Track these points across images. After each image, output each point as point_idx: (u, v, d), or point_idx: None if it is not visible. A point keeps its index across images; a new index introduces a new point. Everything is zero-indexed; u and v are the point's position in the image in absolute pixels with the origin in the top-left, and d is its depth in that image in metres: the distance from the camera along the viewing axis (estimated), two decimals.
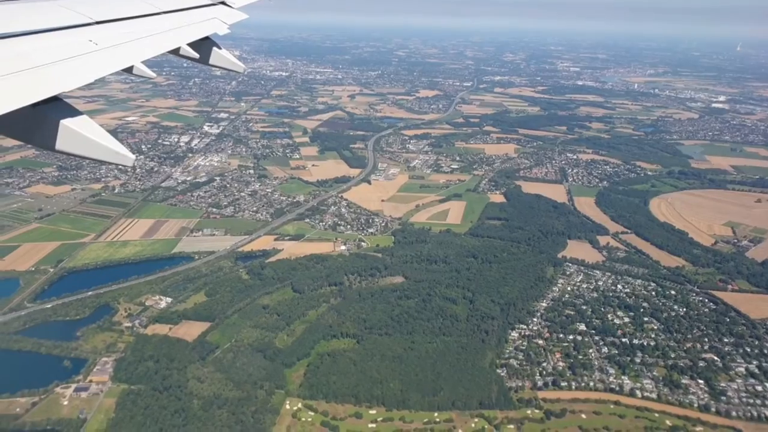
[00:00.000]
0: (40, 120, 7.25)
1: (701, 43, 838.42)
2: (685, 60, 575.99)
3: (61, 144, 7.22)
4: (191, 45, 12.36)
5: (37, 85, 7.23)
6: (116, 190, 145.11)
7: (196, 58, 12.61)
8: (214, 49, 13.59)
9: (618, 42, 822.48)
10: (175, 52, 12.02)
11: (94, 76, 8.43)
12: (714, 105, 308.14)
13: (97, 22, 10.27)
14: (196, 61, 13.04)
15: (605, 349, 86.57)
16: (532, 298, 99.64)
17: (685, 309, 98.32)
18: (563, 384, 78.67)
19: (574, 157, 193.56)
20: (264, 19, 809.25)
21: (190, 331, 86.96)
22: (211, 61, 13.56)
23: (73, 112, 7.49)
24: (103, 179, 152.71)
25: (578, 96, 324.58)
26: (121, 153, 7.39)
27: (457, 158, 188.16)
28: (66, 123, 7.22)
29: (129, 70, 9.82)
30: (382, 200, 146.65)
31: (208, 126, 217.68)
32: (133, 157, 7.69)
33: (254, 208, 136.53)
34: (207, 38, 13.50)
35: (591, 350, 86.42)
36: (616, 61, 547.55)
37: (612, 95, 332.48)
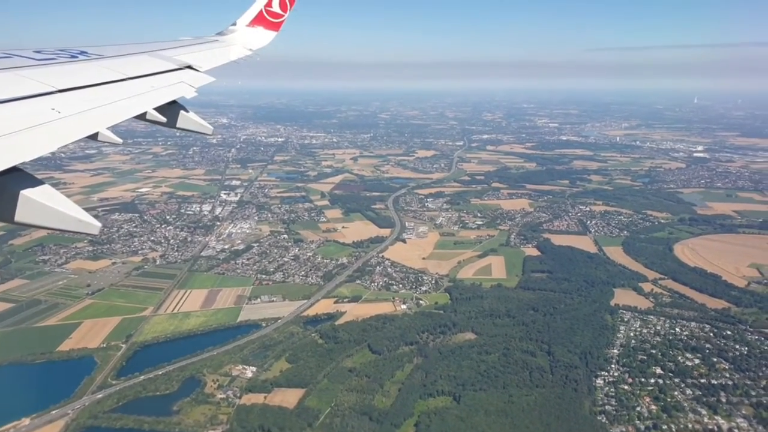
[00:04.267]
0: None
1: (661, 97, 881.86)
2: (651, 113, 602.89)
3: (21, 215, 7.08)
4: (158, 109, 12.49)
5: None
6: (157, 262, 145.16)
7: (164, 122, 12.80)
8: (182, 112, 13.71)
9: (584, 98, 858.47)
10: (142, 117, 12.09)
11: (56, 145, 8.40)
12: (695, 155, 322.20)
13: (60, 91, 10.25)
14: (163, 125, 13.15)
15: (689, 391, 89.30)
16: (603, 346, 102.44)
17: (747, 348, 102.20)
18: (664, 427, 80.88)
19: (587, 209, 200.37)
20: (237, 85, 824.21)
21: (286, 398, 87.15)
22: (178, 125, 13.67)
23: (34, 182, 7.38)
24: (140, 251, 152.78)
25: (567, 151, 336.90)
26: (85, 221, 7.30)
27: (478, 214, 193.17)
28: (26, 193, 7.09)
29: (94, 137, 9.83)
30: (423, 258, 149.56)
31: (225, 194, 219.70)
32: (99, 225, 7.53)
33: (302, 273, 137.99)
34: (174, 102, 13.62)
35: (676, 392, 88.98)
36: (589, 116, 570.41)
37: (598, 149, 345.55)
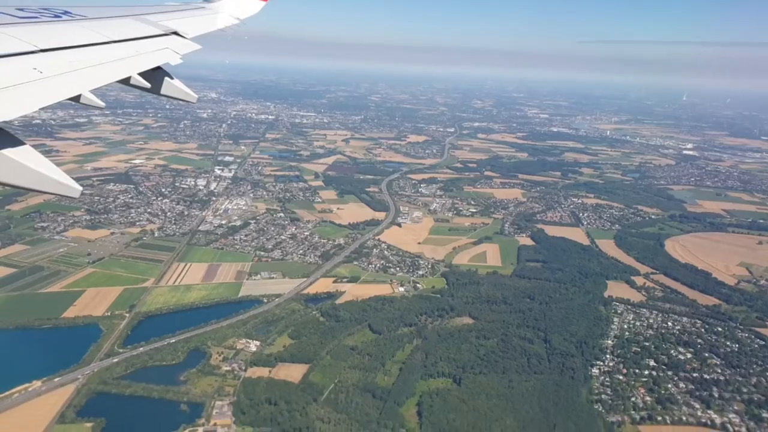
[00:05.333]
0: None
1: (650, 93, 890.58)
2: (641, 108, 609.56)
3: (0, 175, 6.94)
4: (142, 75, 12.30)
5: None
6: (156, 234, 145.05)
7: (148, 87, 12.59)
8: (166, 78, 13.53)
9: (573, 89, 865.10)
10: (126, 81, 11.91)
11: (37, 105, 8.21)
12: (685, 152, 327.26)
13: (43, 50, 9.91)
14: (147, 91, 12.96)
15: (682, 384, 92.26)
16: (598, 336, 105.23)
17: (737, 345, 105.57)
18: (659, 419, 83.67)
19: (579, 201, 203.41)
20: (225, 64, 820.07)
21: (291, 373, 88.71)
22: (162, 91, 13.49)
23: (15, 142, 7.24)
24: (137, 223, 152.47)
25: (559, 142, 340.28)
26: (66, 184, 7.19)
27: (472, 202, 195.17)
28: (6, 153, 6.97)
29: (76, 99, 9.67)
30: (418, 243, 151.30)
31: (219, 169, 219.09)
32: (80, 188, 7.41)
33: (301, 251, 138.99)
34: (158, 68, 13.39)
35: (669, 385, 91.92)
36: (578, 109, 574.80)
37: (589, 142, 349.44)
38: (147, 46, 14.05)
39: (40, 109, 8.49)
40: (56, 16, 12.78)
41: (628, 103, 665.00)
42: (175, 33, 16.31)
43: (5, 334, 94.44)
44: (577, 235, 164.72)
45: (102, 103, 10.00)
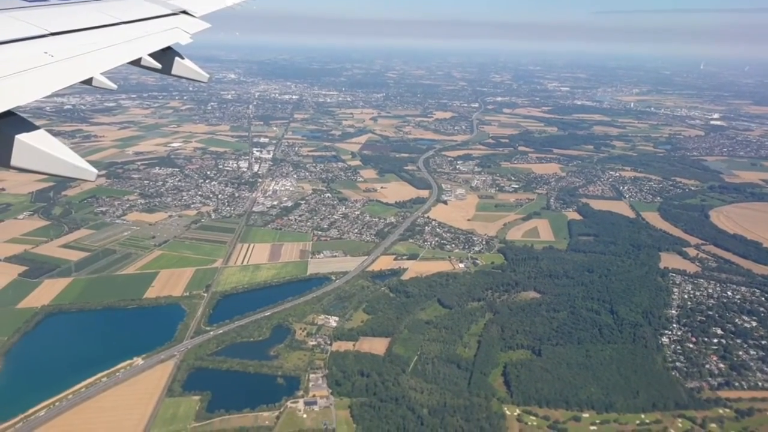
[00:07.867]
0: None
1: (666, 62, 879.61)
2: (659, 79, 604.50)
3: (17, 160, 6.96)
4: (152, 55, 12.14)
5: None
6: (212, 216, 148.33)
7: (159, 68, 12.44)
8: (177, 59, 13.34)
9: (589, 61, 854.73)
10: (136, 63, 11.75)
11: (51, 89, 8.17)
12: (712, 122, 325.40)
13: (53, 34, 9.88)
14: (158, 72, 12.76)
15: (753, 352, 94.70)
16: (662, 306, 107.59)
17: None
18: (735, 384, 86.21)
19: (617, 174, 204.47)
20: (234, 41, 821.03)
21: (374, 346, 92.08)
22: (173, 71, 13.35)
23: (30, 127, 7.25)
24: (192, 205, 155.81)
25: (585, 115, 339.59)
26: (82, 167, 7.16)
27: (512, 178, 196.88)
28: (22, 138, 6.98)
29: (88, 82, 9.58)
30: (468, 219, 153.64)
31: (257, 151, 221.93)
32: (96, 171, 7.37)
33: (356, 230, 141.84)
34: (169, 48, 13.21)
35: (740, 352, 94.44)
36: (598, 81, 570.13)
37: (615, 114, 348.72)
38: (156, 26, 14.00)
39: (56, 93, 8.65)
40: None
41: (645, 74, 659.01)
42: (184, 12, 16.14)
43: (96, 315, 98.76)
44: (622, 208, 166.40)
45: (114, 85, 9.95)
